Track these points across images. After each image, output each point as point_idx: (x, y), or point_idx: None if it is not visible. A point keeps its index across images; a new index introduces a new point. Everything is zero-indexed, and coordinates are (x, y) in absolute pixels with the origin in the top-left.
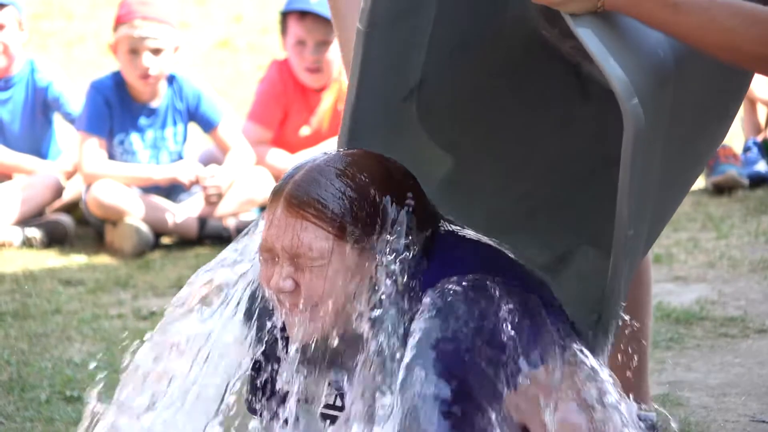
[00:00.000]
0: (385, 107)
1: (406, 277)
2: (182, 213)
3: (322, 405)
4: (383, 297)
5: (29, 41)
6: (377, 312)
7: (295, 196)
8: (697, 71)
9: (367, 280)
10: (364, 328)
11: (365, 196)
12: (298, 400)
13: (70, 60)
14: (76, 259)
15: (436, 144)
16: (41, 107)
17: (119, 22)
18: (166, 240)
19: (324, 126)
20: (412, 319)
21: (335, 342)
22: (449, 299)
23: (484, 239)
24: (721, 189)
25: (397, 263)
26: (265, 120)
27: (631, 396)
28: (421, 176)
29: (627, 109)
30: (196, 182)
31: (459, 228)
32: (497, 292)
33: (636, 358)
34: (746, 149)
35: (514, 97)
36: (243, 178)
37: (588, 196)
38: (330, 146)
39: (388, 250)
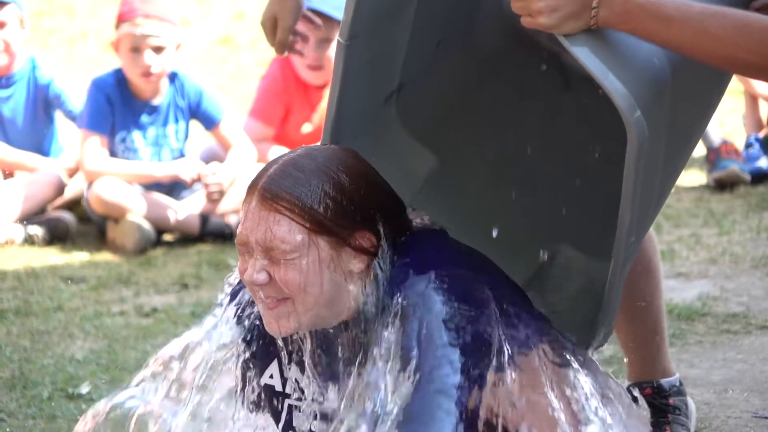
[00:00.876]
0: (367, 113)
1: (381, 272)
2: (184, 210)
3: (300, 400)
4: (359, 292)
5: (31, 39)
6: (353, 307)
7: (269, 190)
8: (692, 73)
9: (341, 274)
10: (340, 322)
11: (340, 189)
12: (278, 395)
13: (71, 57)
14: (78, 257)
15: (420, 143)
16: (43, 105)
17: (121, 19)
18: (167, 237)
19: None
20: (389, 314)
21: (312, 337)
22: (427, 295)
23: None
24: (722, 185)
25: (373, 258)
26: (267, 117)
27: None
28: (405, 177)
29: (631, 123)
30: (198, 179)
31: (433, 225)
32: (474, 288)
33: (654, 337)
34: (748, 145)
35: (496, 90)
36: (245, 176)
37: (575, 194)
38: None
39: (363, 244)
